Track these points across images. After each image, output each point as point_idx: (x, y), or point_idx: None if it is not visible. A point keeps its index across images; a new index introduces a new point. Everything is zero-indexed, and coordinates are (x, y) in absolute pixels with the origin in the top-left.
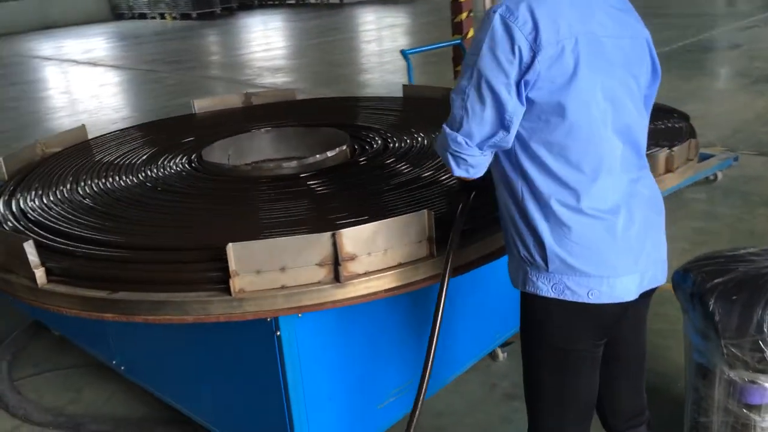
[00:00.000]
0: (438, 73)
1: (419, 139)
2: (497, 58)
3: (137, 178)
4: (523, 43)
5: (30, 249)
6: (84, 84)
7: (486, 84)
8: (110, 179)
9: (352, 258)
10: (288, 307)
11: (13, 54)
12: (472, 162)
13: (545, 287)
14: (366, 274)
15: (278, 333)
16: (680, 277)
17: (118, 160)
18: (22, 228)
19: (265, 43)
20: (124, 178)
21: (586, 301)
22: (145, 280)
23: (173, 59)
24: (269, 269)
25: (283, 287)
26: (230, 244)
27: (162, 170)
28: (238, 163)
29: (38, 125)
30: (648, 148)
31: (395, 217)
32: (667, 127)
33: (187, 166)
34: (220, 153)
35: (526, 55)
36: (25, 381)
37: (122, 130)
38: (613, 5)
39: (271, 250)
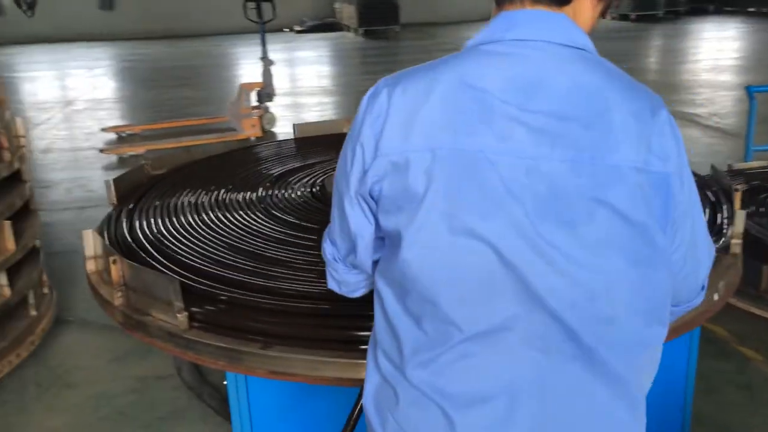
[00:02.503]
0: None
1: None
2: (345, 155)
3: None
4: (367, 142)
5: (176, 290)
6: None
7: (335, 186)
8: (234, 207)
9: None
10: None
11: None
12: (338, 278)
13: None
14: None
15: None
16: None
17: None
18: (153, 263)
19: (713, 56)
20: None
21: None
22: (303, 336)
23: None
24: None
25: None
26: None
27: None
28: None
29: None
30: None
31: None
32: None
33: None
34: None
35: (367, 161)
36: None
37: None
38: (542, 110)
39: None
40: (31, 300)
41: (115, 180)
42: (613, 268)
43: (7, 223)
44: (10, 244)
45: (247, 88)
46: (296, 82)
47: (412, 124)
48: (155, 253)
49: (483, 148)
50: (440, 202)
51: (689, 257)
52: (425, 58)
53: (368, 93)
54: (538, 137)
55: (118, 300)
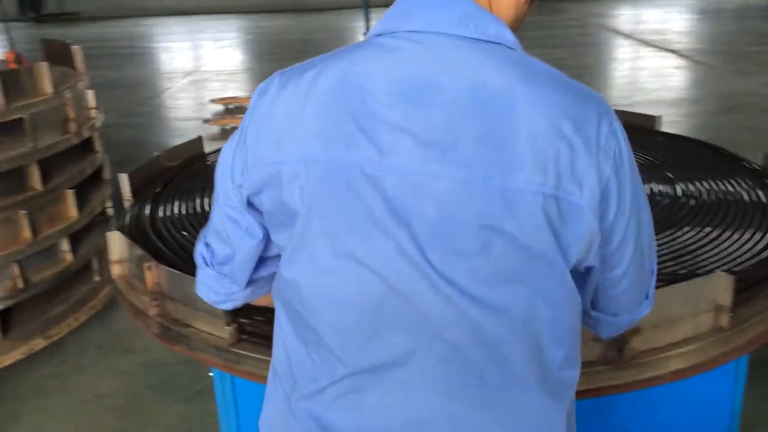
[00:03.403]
0: None
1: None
2: (227, 156)
3: None
4: (246, 148)
5: None
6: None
7: (216, 184)
8: None
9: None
10: None
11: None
12: (208, 283)
13: None
14: (651, 351)
15: None
16: None
17: None
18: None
19: None
20: None
21: None
22: None
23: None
24: None
25: None
26: None
27: None
28: None
29: None
30: None
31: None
32: None
33: None
34: None
35: (242, 171)
36: None
37: None
38: (432, 118)
39: None
40: (95, 266)
41: (130, 174)
42: (512, 306)
43: (70, 192)
44: (73, 211)
45: None
46: None
47: (286, 131)
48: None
49: (362, 162)
50: (318, 221)
51: (632, 272)
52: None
53: (258, 88)
54: (426, 151)
55: (153, 309)
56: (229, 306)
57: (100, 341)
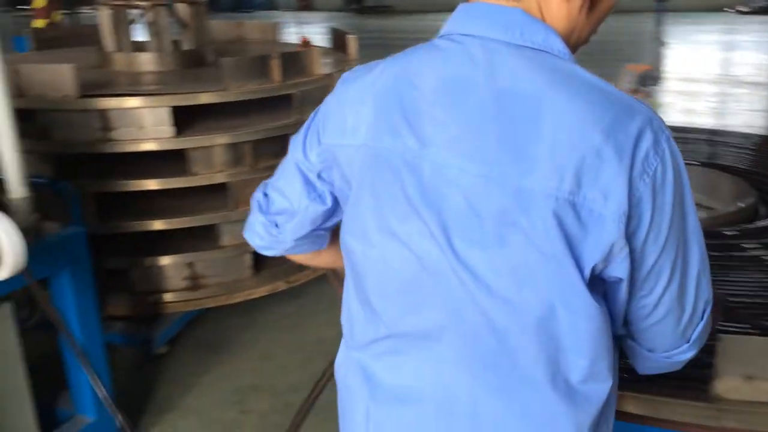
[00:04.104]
0: None
1: None
2: (309, 122)
3: None
4: (320, 125)
5: None
6: None
7: (291, 145)
8: None
9: None
10: None
11: None
12: (257, 230)
13: None
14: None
15: None
16: None
17: None
18: None
19: None
20: None
21: None
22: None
23: None
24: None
25: None
26: (722, 336)
27: None
28: None
29: None
30: None
31: None
32: None
33: None
34: None
35: (316, 144)
36: None
37: None
38: (466, 116)
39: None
40: None
41: None
42: (524, 303)
43: None
44: None
45: (631, 69)
46: (703, 68)
47: (349, 118)
48: None
49: (404, 150)
50: (367, 199)
51: (667, 305)
52: None
53: (343, 74)
54: (458, 146)
55: None
56: (270, 253)
57: (334, 295)
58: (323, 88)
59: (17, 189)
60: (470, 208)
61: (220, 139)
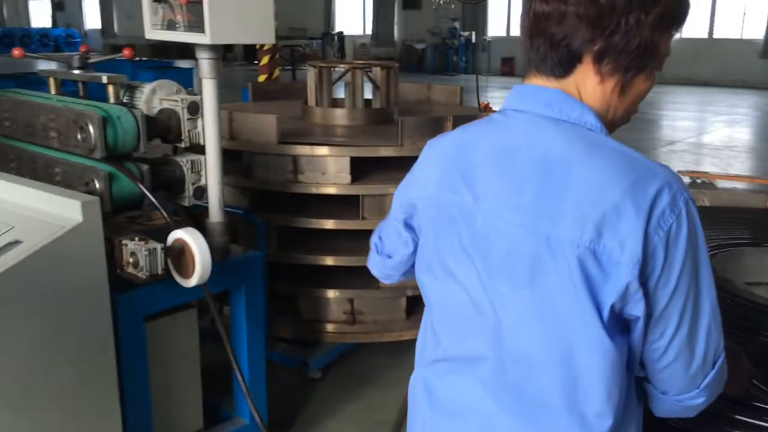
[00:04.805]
0: None
1: None
2: (404, 180)
3: None
4: (408, 182)
5: None
6: None
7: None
8: None
9: None
10: None
11: None
12: (375, 261)
13: None
14: None
15: None
16: None
17: None
18: None
19: None
20: None
21: None
22: None
23: None
24: None
25: None
26: None
27: None
28: (738, 279)
29: None
30: None
31: None
32: None
33: None
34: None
35: (403, 197)
36: None
37: None
38: (511, 177)
39: None
40: None
41: None
42: (547, 338)
43: None
44: None
45: None
46: None
47: (425, 176)
48: None
49: (461, 203)
50: (432, 241)
51: (676, 349)
52: None
53: (429, 141)
54: (504, 201)
55: None
56: (388, 281)
57: None
58: None
59: (215, 214)
60: (510, 253)
61: (391, 189)
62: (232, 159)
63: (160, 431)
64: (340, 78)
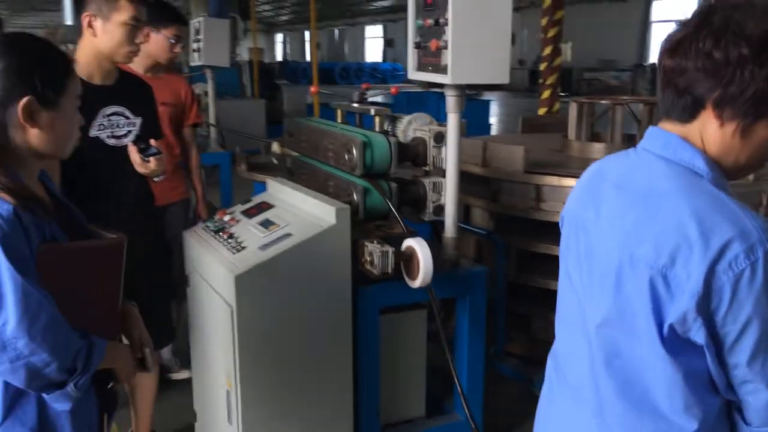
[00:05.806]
0: None
1: None
2: None
3: None
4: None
5: None
6: None
7: None
8: None
9: None
10: None
11: None
12: None
13: None
14: None
15: None
16: None
17: None
18: None
19: None
20: None
21: None
22: None
23: None
24: None
25: None
26: None
27: None
28: None
29: None
30: None
31: None
32: None
33: None
34: None
35: None
36: None
37: None
38: (622, 202)
39: None
40: None
41: None
42: (608, 339)
43: None
44: None
45: None
46: None
47: (572, 195)
48: None
49: (585, 219)
50: (564, 247)
51: (753, 378)
52: None
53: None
54: (614, 221)
55: None
56: None
57: None
58: None
59: (450, 230)
60: (606, 265)
61: None
62: (483, 184)
63: (387, 412)
64: (603, 113)
